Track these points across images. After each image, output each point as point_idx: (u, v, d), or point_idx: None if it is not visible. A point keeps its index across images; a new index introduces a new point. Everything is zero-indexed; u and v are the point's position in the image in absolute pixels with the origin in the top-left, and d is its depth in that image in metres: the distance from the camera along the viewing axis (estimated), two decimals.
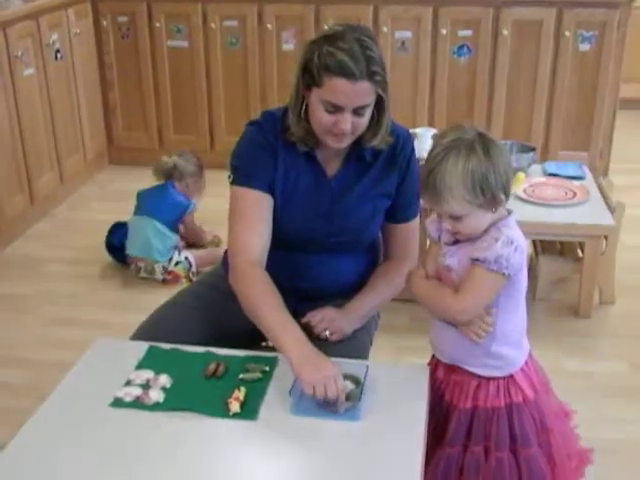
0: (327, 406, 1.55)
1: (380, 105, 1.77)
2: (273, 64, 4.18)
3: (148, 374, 1.67)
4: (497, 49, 3.99)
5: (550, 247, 3.12)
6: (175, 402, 1.58)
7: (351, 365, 1.67)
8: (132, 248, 3.32)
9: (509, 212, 1.59)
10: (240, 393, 1.59)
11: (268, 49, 4.16)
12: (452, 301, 1.58)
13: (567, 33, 3.91)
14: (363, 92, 1.68)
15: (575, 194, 2.95)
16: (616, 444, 1.98)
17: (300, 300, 1.92)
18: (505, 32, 3.94)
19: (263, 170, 1.83)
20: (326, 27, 3.60)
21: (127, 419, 1.54)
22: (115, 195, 4.16)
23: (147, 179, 3.48)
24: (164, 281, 3.24)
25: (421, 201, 1.79)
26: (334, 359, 1.65)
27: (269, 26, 4.10)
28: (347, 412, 1.54)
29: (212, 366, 1.68)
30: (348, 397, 1.57)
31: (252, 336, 1.98)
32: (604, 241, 2.90)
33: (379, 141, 1.82)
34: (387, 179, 1.88)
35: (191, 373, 1.67)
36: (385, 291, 1.95)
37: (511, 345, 1.63)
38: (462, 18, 3.98)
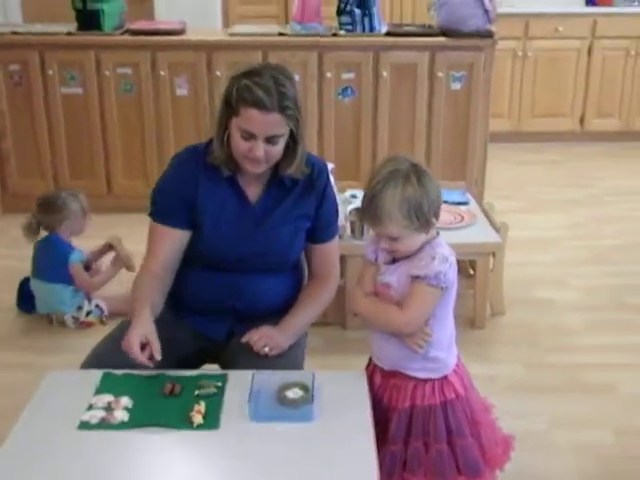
0: (282, 405, 1.72)
1: (294, 137, 1.99)
2: (168, 109, 4.32)
3: (108, 398, 1.77)
4: (378, 90, 4.32)
5: None
6: (140, 419, 1.70)
7: (298, 374, 1.85)
8: (39, 305, 3.32)
9: (437, 232, 1.83)
10: (200, 406, 1.73)
11: (162, 95, 4.30)
12: (397, 315, 1.79)
13: (440, 74, 4.29)
14: (274, 123, 1.90)
15: (463, 217, 3.27)
16: (523, 434, 2.23)
17: (237, 321, 2.10)
18: (385, 74, 4.28)
19: (179, 208, 2.02)
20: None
21: (96, 440, 1.65)
22: (11, 242, 4.12)
23: None
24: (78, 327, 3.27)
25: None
26: (277, 371, 1.85)
27: (162, 73, 4.25)
28: (301, 414, 1.71)
29: (168, 385, 1.80)
30: (299, 401, 1.74)
31: (195, 359, 2.13)
32: (492, 258, 3.22)
33: (294, 170, 2.04)
34: (306, 202, 2.09)
35: (149, 393, 1.79)
36: (315, 308, 2.14)
37: (444, 349, 1.85)
38: (345, 61, 4.28)
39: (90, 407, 1.73)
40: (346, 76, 4.30)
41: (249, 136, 1.92)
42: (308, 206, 2.10)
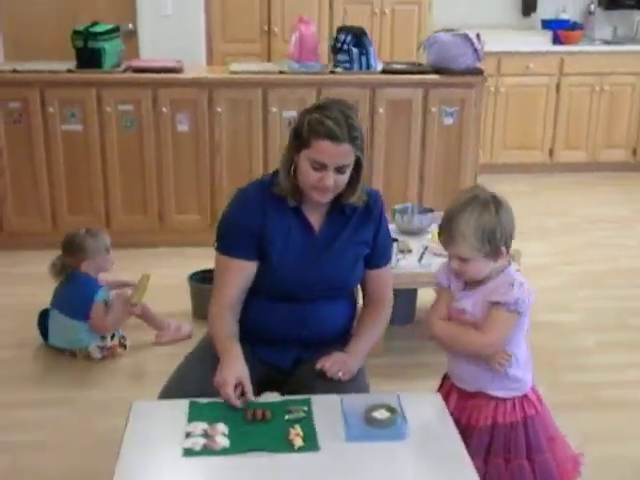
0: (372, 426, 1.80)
1: (358, 167, 2.09)
2: (168, 144, 4.38)
3: (203, 425, 1.82)
4: (375, 124, 4.46)
5: None
6: (241, 444, 1.75)
7: (380, 397, 1.93)
8: (54, 339, 3.31)
9: (509, 262, 1.96)
10: (297, 430, 1.79)
11: (163, 131, 4.36)
12: (477, 337, 1.91)
13: (433, 109, 4.46)
14: (344, 153, 2.01)
15: None
16: None
17: (303, 348, 2.17)
18: (381, 110, 4.43)
19: (248, 240, 2.09)
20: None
21: (203, 466, 1.70)
22: (9, 279, 4.09)
23: (40, 260, 3.47)
24: (102, 358, 3.28)
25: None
26: (362, 395, 1.96)
27: (164, 109, 4.31)
28: (394, 433, 1.79)
29: (259, 412, 1.86)
30: (387, 422, 1.82)
31: (257, 387, 2.19)
32: None
33: (357, 198, 2.14)
34: (364, 229, 2.19)
35: (240, 420, 1.85)
36: (376, 331, 2.24)
37: (522, 368, 1.97)
38: (343, 98, 4.38)
39: (188, 435, 1.78)
40: None
41: (320, 166, 2.01)
42: (367, 233, 2.19)
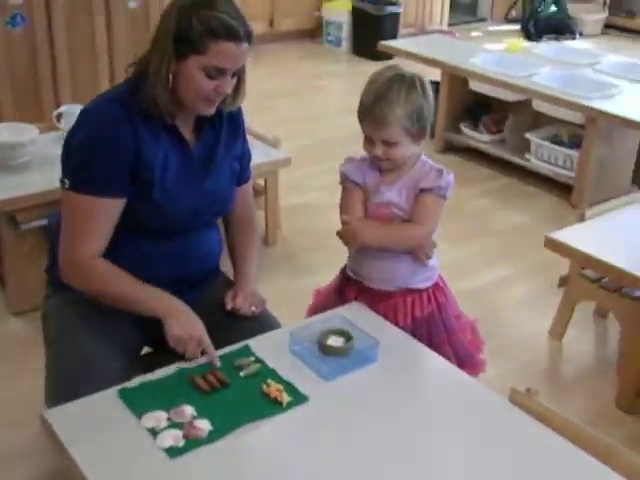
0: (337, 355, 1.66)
1: (243, 69, 1.78)
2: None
3: (160, 414, 1.47)
4: (51, 15, 3.81)
5: None
6: (225, 420, 1.46)
7: (319, 321, 1.76)
8: None
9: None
10: (273, 385, 1.55)
11: None
12: (417, 230, 1.81)
13: None
14: (243, 54, 1.69)
15: None
16: None
17: (187, 290, 1.85)
18: None
19: (118, 173, 1.68)
20: None
21: (198, 461, 1.38)
22: None
23: None
24: None
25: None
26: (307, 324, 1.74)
27: None
28: (366, 358, 1.65)
29: (211, 377, 1.56)
30: (345, 349, 1.67)
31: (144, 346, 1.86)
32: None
33: (239, 102, 1.84)
34: (235, 141, 1.90)
35: (196, 393, 1.53)
36: (256, 255, 1.99)
37: (435, 255, 1.92)
38: None
39: (154, 431, 1.42)
40: (13, 2, 3.69)
41: (217, 73, 1.66)
42: (238, 147, 1.91)
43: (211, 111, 1.75)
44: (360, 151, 1.85)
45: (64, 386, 1.60)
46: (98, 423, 1.45)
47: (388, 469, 1.37)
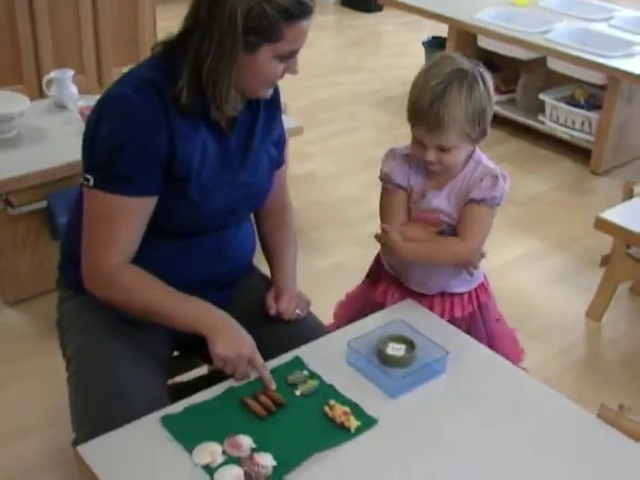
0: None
1: None
2: None
3: (214, 447, 1.27)
4: None
5: None
6: (290, 452, 1.27)
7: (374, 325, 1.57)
8: None
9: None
10: (337, 407, 1.36)
11: None
12: (461, 246, 1.62)
13: None
14: (309, 26, 1.44)
15: None
16: None
17: (220, 289, 1.65)
18: None
19: (149, 169, 1.43)
20: None
21: None
22: None
23: None
24: None
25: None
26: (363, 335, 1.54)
27: None
28: (434, 371, 1.47)
29: (264, 399, 1.36)
30: (408, 360, 1.49)
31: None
32: None
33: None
34: (274, 122, 1.67)
35: (249, 418, 1.34)
36: (295, 245, 1.79)
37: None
38: None
39: (210, 469, 1.23)
40: None
41: (290, 55, 1.43)
42: (275, 129, 1.68)
43: (268, 95, 1.52)
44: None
45: (96, 414, 1.39)
46: (142, 459, 1.25)
47: None
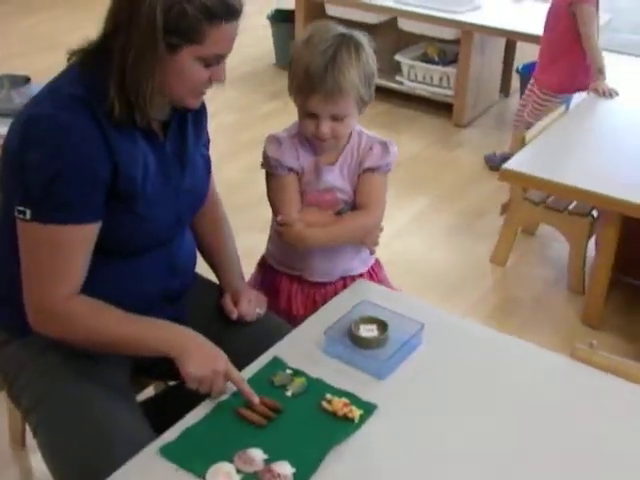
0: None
1: None
2: None
3: (225, 467, 1.22)
4: None
5: None
6: (306, 455, 1.24)
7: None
8: None
9: None
10: (335, 400, 1.34)
11: None
12: (366, 218, 1.62)
13: None
14: (236, 30, 1.37)
15: None
16: None
17: (172, 304, 1.57)
18: None
19: (91, 195, 1.32)
20: None
21: None
22: None
23: None
24: None
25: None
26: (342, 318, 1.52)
27: None
28: (414, 343, 1.48)
29: (261, 407, 1.32)
30: (382, 340, 1.49)
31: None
32: None
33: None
34: (203, 122, 1.60)
35: (252, 429, 1.29)
36: (233, 242, 1.74)
37: None
38: None
39: None
40: None
41: (216, 60, 1.35)
42: (203, 128, 1.60)
43: (198, 104, 1.43)
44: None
45: (82, 468, 1.28)
46: None
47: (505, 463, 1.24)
